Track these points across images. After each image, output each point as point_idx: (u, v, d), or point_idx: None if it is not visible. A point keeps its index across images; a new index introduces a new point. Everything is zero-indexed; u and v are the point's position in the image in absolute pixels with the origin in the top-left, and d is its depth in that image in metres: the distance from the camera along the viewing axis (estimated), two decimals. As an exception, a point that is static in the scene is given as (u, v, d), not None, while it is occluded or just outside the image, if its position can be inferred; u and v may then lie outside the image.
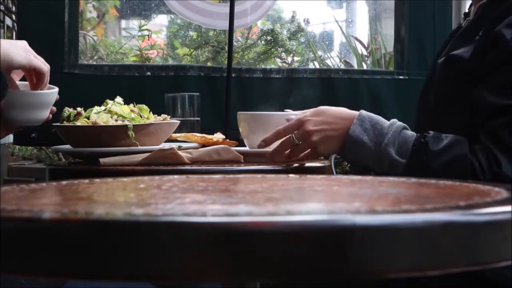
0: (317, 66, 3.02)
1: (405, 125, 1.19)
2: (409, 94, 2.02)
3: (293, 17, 3.24)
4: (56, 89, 1.32)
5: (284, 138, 1.26)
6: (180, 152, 1.29)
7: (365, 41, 3.09)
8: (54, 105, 1.32)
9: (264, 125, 1.48)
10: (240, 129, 1.53)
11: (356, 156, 1.21)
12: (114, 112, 1.37)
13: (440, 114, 1.25)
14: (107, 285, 0.51)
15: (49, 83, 1.30)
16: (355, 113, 1.21)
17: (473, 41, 1.18)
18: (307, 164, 1.32)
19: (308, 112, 1.26)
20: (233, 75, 2.41)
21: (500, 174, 1.09)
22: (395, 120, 1.20)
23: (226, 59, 2.17)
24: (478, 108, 1.15)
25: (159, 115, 1.44)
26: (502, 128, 1.11)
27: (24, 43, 1.25)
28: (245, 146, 1.53)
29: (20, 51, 1.22)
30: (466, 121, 1.17)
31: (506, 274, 1.04)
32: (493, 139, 1.11)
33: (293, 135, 1.25)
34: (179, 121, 1.48)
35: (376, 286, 1.02)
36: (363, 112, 1.22)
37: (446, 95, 1.24)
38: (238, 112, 1.57)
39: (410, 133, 1.17)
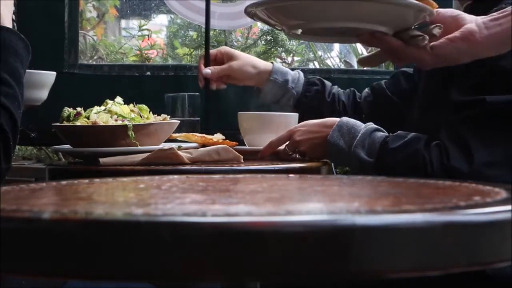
0: (317, 66, 3.01)
1: (377, 127, 1.26)
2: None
3: (293, 17, 3.23)
4: (54, 73, 1.38)
5: (279, 148, 1.38)
6: (180, 152, 1.29)
7: (365, 41, 3.09)
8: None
9: (264, 125, 1.49)
10: (241, 129, 1.54)
11: (336, 160, 1.34)
12: (114, 112, 1.37)
13: (426, 114, 1.30)
14: (107, 285, 0.51)
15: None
16: (337, 120, 1.30)
17: None
18: (307, 164, 1.33)
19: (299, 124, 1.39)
20: (233, 75, 2.41)
21: (449, 166, 1.14)
22: (369, 123, 1.27)
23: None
24: (446, 106, 1.18)
25: (159, 115, 1.44)
26: (459, 123, 1.15)
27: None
28: (245, 146, 1.54)
29: (9, 15, 1.24)
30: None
31: (507, 271, 1.04)
32: (449, 133, 1.16)
33: (286, 146, 1.37)
34: (179, 121, 1.48)
35: (376, 286, 1.02)
36: (344, 118, 1.31)
37: (429, 95, 1.28)
38: (239, 113, 1.58)
39: (380, 134, 1.24)
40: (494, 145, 1.14)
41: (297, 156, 1.40)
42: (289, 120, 1.49)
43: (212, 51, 1.62)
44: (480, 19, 1.00)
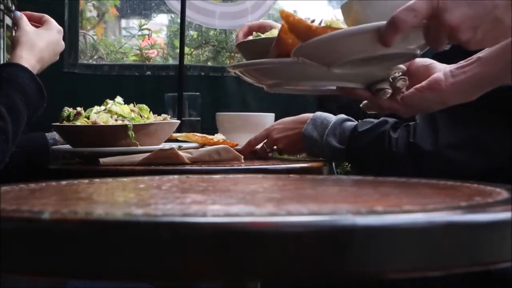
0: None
1: (347, 117, 1.32)
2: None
3: (293, 16, 3.23)
4: None
5: (257, 147, 1.45)
6: (180, 152, 1.29)
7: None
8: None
9: (241, 125, 1.53)
10: (219, 129, 1.57)
11: (312, 152, 1.37)
12: (114, 112, 1.37)
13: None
14: (107, 285, 0.51)
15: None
16: (311, 115, 1.35)
17: None
18: (308, 164, 1.33)
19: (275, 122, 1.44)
20: (233, 75, 2.41)
21: (413, 144, 1.16)
22: (341, 115, 1.33)
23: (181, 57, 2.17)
24: None
25: (159, 115, 1.44)
26: None
27: (55, 45, 1.32)
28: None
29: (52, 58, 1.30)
30: None
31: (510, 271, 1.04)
32: (425, 114, 1.17)
33: (264, 144, 1.43)
34: (179, 121, 1.48)
35: (376, 287, 1.02)
36: (318, 113, 1.35)
37: None
38: (217, 113, 1.61)
39: (351, 123, 1.30)
40: (462, 128, 1.14)
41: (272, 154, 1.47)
42: (266, 120, 1.55)
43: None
44: (449, 67, 1.02)
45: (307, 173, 1.30)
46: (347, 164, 2.64)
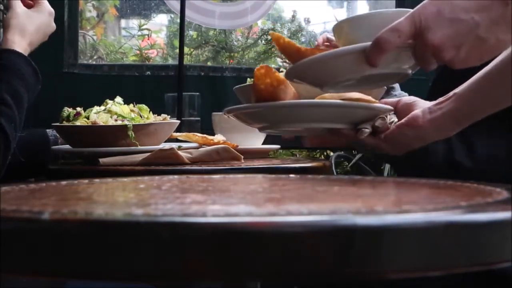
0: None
1: None
2: (409, 94, 2.02)
3: (293, 16, 3.24)
4: None
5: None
6: (180, 152, 1.29)
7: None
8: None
9: (238, 124, 1.54)
10: (215, 129, 1.57)
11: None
12: (114, 112, 1.37)
13: None
14: (107, 285, 0.51)
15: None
16: None
17: None
18: (308, 164, 1.33)
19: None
20: (233, 75, 2.41)
21: (452, 159, 1.15)
22: None
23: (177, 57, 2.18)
24: None
25: (159, 115, 1.44)
26: None
27: (46, 26, 1.30)
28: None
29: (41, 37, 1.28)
30: None
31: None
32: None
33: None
34: (178, 121, 1.48)
35: (376, 287, 1.02)
36: None
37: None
38: (213, 113, 1.61)
39: None
40: (496, 139, 1.14)
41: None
42: None
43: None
44: (428, 104, 1.04)
45: (307, 173, 1.30)
46: (347, 163, 2.64)
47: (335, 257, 0.43)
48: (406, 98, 1.10)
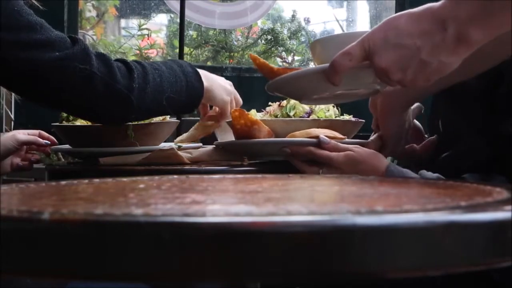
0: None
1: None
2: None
3: (293, 16, 3.24)
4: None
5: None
6: (180, 152, 1.29)
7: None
8: None
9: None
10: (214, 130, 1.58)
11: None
12: (114, 111, 1.37)
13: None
14: (107, 285, 0.51)
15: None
16: (383, 167, 1.18)
17: None
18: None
19: (340, 155, 1.21)
20: (233, 75, 2.41)
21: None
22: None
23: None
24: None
25: (159, 114, 1.44)
26: None
27: (227, 84, 1.44)
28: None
29: (222, 91, 1.41)
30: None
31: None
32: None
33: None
34: (178, 121, 1.48)
35: (376, 287, 1.02)
36: (391, 165, 1.17)
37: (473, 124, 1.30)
38: None
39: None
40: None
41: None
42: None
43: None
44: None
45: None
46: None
47: (335, 257, 0.43)
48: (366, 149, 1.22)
